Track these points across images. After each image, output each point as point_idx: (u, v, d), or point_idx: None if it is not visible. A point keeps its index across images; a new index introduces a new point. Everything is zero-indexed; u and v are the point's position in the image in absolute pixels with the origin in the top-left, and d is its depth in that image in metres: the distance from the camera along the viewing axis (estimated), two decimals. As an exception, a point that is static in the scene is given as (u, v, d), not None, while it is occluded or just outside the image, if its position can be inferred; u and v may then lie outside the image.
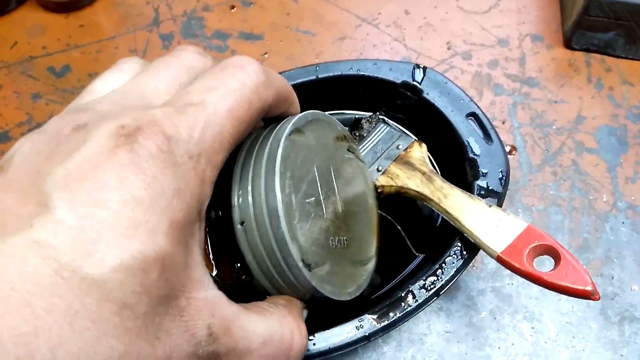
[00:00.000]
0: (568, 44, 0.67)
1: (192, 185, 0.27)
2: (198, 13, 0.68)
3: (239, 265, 0.37)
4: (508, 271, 0.52)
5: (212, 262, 0.36)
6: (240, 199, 0.34)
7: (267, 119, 0.38)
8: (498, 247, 0.42)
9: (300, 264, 0.33)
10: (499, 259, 0.42)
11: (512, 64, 0.65)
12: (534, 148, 0.59)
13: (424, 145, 0.52)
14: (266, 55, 0.66)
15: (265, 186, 0.32)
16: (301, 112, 0.38)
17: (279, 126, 0.36)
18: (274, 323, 0.32)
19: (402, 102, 0.54)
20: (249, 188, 0.33)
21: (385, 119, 0.56)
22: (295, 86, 0.53)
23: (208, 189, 0.29)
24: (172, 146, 0.26)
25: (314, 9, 0.69)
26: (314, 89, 0.54)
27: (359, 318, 0.43)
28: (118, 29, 0.67)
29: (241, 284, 0.37)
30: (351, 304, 0.43)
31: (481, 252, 0.42)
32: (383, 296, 0.46)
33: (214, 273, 0.36)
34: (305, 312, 0.38)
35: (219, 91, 0.29)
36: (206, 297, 0.28)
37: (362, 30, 0.68)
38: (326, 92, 0.54)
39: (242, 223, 0.34)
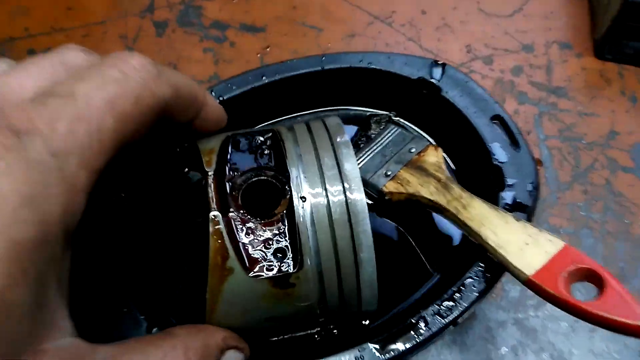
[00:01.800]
0: (599, 53, 0.61)
1: (55, 192, 0.21)
2: (196, 1, 0.63)
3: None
4: (533, 302, 0.45)
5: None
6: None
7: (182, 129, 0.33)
8: (528, 269, 0.35)
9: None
10: (529, 283, 0.35)
11: (537, 72, 0.59)
12: (562, 163, 0.52)
13: (440, 149, 0.45)
14: (268, 49, 0.60)
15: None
16: (299, 107, 0.34)
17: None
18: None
19: (417, 101, 0.48)
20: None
21: (398, 119, 0.49)
22: (298, 77, 0.47)
23: (81, 200, 0.23)
24: (25, 142, 0.20)
25: (323, 4, 0.63)
26: (319, 82, 0.48)
27: (360, 347, 0.35)
28: (109, 14, 0.61)
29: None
30: (348, 330, 0.36)
31: (505, 276, 0.36)
32: (389, 322, 0.39)
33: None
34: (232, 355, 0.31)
35: (93, 81, 0.24)
36: (63, 347, 0.21)
37: (374, 28, 0.62)
38: (332, 85, 0.48)
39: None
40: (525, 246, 0.36)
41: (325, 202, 0.32)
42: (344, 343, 0.37)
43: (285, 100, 0.47)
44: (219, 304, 0.31)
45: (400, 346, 0.36)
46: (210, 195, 0.32)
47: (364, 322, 0.37)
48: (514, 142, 0.44)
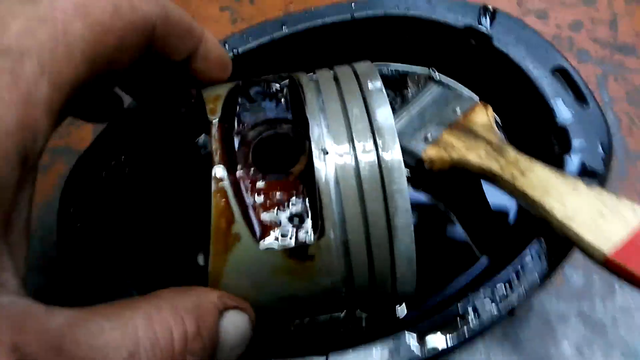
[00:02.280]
0: (673, 7, 0.52)
1: (4, 97, 0.17)
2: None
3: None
4: (601, 290, 0.38)
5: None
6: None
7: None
8: (606, 245, 0.29)
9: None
10: (608, 263, 0.28)
11: (600, 27, 0.52)
12: (632, 130, 0.45)
13: (490, 108, 0.38)
14: (292, 5, 0.54)
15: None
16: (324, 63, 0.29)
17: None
18: (138, 325, 0.20)
19: (463, 54, 0.41)
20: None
21: (439, 77, 0.43)
22: (323, 28, 0.41)
23: (42, 116, 0.18)
24: None
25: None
26: (348, 32, 0.41)
27: (395, 337, 0.29)
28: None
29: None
30: (379, 318, 0.30)
31: (574, 257, 0.31)
32: (431, 310, 0.32)
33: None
34: (236, 315, 0.25)
35: None
36: (5, 306, 0.17)
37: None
38: (363, 37, 0.42)
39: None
40: (601, 217, 0.29)
41: (353, 158, 0.26)
42: (375, 332, 0.31)
43: (308, 55, 0.41)
44: (224, 277, 0.25)
45: (443, 339, 0.29)
46: (213, 147, 0.26)
47: (398, 307, 0.31)
48: (580, 97, 0.37)
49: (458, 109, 0.39)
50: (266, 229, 0.25)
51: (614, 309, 0.39)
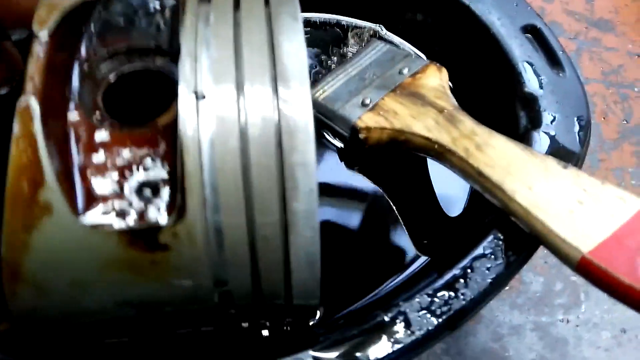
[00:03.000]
0: (656, -17, 0.46)
1: None
2: None
3: None
4: (563, 299, 0.33)
5: None
6: None
7: None
8: (584, 243, 0.22)
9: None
10: (584, 265, 0.22)
11: (575, -1, 0.45)
12: (607, 115, 0.39)
13: (444, 70, 0.31)
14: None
15: None
16: None
17: None
18: None
19: (416, 8, 0.33)
20: None
21: (386, 34, 0.35)
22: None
23: None
24: None
25: None
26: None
27: (295, 357, 0.21)
28: None
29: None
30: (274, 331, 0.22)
31: (538, 255, 0.25)
32: (349, 320, 0.25)
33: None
34: None
35: None
36: None
37: None
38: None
39: None
40: (578, 207, 0.22)
41: (239, 108, 0.18)
42: (275, 348, 0.23)
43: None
44: (25, 270, 0.17)
45: (363, 357, 0.22)
46: (29, 71, 0.17)
47: (306, 322, 0.23)
48: (554, 62, 0.30)
49: (406, 70, 0.31)
50: (96, 200, 0.17)
51: (577, 322, 0.33)
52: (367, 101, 0.31)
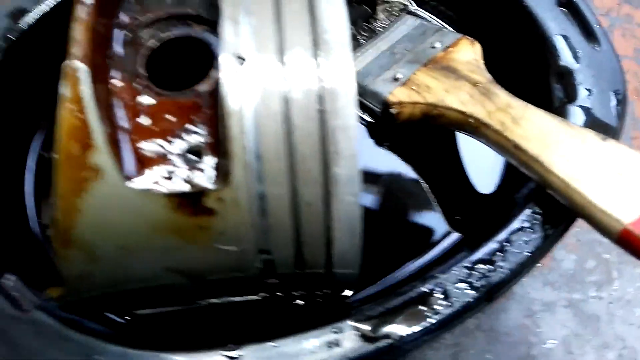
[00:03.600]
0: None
1: None
2: None
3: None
4: (595, 277, 0.33)
5: None
6: None
7: None
8: (624, 215, 0.21)
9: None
10: (625, 237, 0.22)
11: (607, -26, 0.44)
12: None
13: (477, 44, 0.31)
14: None
15: None
16: None
17: None
18: None
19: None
20: None
21: (417, 10, 0.35)
22: None
23: None
24: None
25: None
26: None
27: (334, 327, 0.21)
28: None
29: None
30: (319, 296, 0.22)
31: (570, 233, 0.25)
32: (386, 292, 0.25)
33: None
34: None
35: None
36: None
37: None
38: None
39: None
40: (617, 178, 0.22)
41: (281, 73, 0.18)
42: (311, 316, 0.23)
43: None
44: (76, 233, 0.17)
45: (400, 330, 0.22)
46: (73, 34, 0.18)
47: (343, 292, 0.23)
48: (590, 36, 0.29)
49: (438, 44, 0.31)
50: (145, 163, 0.17)
51: (610, 299, 0.33)
52: (399, 76, 0.30)
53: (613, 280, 0.33)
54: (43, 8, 0.27)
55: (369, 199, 0.30)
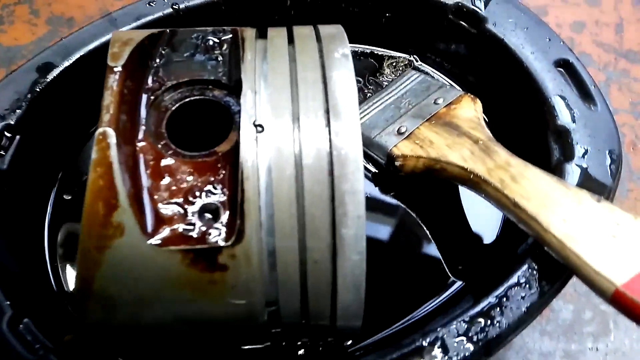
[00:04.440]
0: (684, 17, 0.47)
1: None
2: None
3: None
4: (592, 328, 0.33)
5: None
6: None
7: None
8: (617, 276, 0.22)
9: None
10: (617, 298, 0.22)
11: (605, 30, 0.46)
12: (636, 145, 0.40)
13: (478, 101, 0.32)
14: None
15: None
16: None
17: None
18: None
19: (450, 38, 0.35)
20: None
21: (420, 65, 0.36)
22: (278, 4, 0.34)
23: None
24: None
25: None
26: (315, 6, 0.34)
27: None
28: None
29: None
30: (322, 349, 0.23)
31: (567, 283, 0.26)
32: (385, 342, 0.26)
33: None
34: None
35: None
36: None
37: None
38: (333, 13, 0.35)
39: None
40: (611, 240, 0.23)
41: (295, 140, 0.19)
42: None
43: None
44: (96, 285, 0.18)
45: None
46: (105, 102, 0.19)
47: (345, 342, 0.24)
48: (586, 96, 0.31)
49: (441, 100, 0.32)
50: (163, 222, 0.18)
51: (607, 351, 0.33)
52: (403, 129, 0.32)
53: (610, 332, 0.34)
54: (67, 63, 0.29)
55: (373, 247, 0.31)
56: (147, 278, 0.18)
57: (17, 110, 0.28)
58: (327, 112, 0.20)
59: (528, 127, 0.32)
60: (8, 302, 0.23)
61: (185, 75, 0.22)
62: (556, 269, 0.25)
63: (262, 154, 0.19)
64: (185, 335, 0.20)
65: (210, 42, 0.23)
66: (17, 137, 0.28)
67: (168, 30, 0.23)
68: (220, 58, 0.23)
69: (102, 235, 0.18)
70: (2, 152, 0.27)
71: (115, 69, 0.20)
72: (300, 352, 0.25)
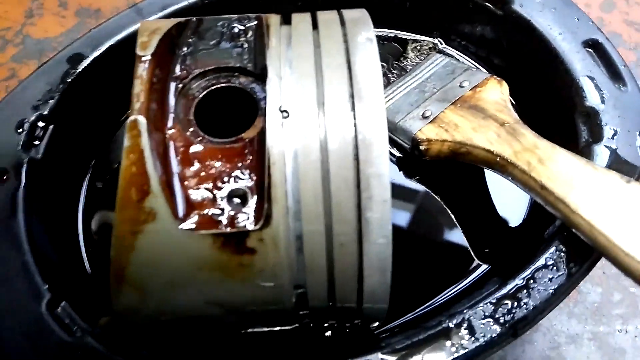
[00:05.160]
0: None
1: None
2: None
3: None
4: (621, 310, 0.32)
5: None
6: None
7: None
8: (647, 257, 0.22)
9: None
10: None
11: (635, 9, 0.45)
12: None
13: (504, 84, 0.32)
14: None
15: None
16: None
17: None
18: None
19: (475, 20, 0.34)
20: None
21: (445, 48, 0.36)
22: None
23: None
24: None
25: None
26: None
27: (366, 359, 0.23)
28: None
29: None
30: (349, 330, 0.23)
31: (596, 265, 0.25)
32: (412, 324, 0.26)
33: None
34: None
35: None
36: None
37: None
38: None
39: None
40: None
41: (320, 125, 0.20)
42: (340, 348, 0.24)
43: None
44: (130, 269, 0.18)
45: (428, 362, 0.23)
46: (135, 90, 0.20)
47: (372, 325, 0.24)
48: (616, 77, 0.30)
49: (466, 84, 0.32)
50: (194, 207, 0.19)
51: (636, 334, 0.33)
52: (428, 113, 0.32)
53: (639, 314, 0.33)
54: (96, 53, 0.30)
55: (399, 231, 0.32)
56: (179, 261, 0.19)
57: (50, 101, 0.29)
58: (352, 96, 0.20)
59: (556, 109, 0.31)
60: (46, 286, 0.24)
61: (212, 63, 0.22)
62: (584, 251, 0.25)
63: (288, 139, 0.19)
64: (215, 320, 0.21)
65: (236, 30, 0.23)
66: (51, 127, 0.28)
67: (194, 19, 0.24)
68: (245, 45, 0.23)
69: (136, 220, 0.18)
70: (36, 142, 0.28)
71: (144, 58, 0.21)
72: (328, 333, 0.26)
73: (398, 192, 0.33)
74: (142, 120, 0.19)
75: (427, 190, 0.33)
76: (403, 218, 0.32)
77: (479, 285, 0.29)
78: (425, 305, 0.28)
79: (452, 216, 0.32)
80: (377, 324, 0.26)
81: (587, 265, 0.25)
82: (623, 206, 0.24)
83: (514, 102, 0.33)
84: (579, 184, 0.25)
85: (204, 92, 0.22)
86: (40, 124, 0.28)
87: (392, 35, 0.37)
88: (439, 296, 0.29)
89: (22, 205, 0.26)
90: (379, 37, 0.37)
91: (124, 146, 0.18)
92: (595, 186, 0.25)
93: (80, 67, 0.29)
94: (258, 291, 0.20)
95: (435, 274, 0.30)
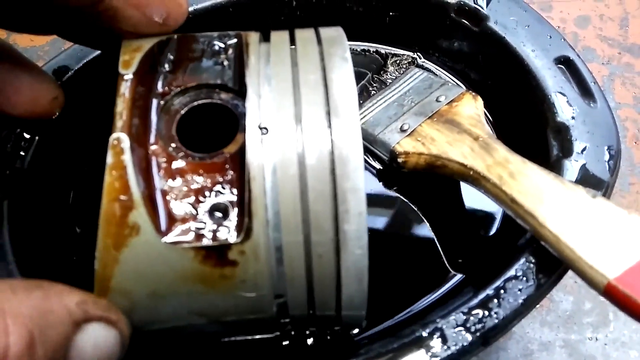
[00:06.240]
0: (690, 10, 0.47)
1: None
2: None
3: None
4: (591, 318, 0.33)
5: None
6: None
7: None
8: (610, 270, 0.23)
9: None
10: (609, 291, 0.23)
11: (609, 25, 0.47)
12: (639, 139, 0.39)
13: (479, 99, 0.33)
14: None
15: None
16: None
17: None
18: None
19: (453, 36, 0.36)
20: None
21: (424, 63, 0.37)
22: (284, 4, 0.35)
23: None
24: None
25: None
26: (320, 5, 0.35)
27: (340, 366, 0.24)
28: None
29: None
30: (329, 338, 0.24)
31: (568, 275, 0.26)
32: (387, 333, 0.27)
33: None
34: None
35: None
36: None
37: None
38: (337, 12, 0.36)
39: None
40: (605, 235, 0.24)
41: (298, 141, 0.21)
42: (322, 355, 0.25)
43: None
44: (114, 281, 0.19)
45: (399, 370, 0.24)
46: (118, 109, 0.20)
47: (351, 331, 0.25)
48: (586, 93, 0.31)
49: (443, 98, 0.33)
50: (176, 221, 0.19)
51: (605, 341, 0.34)
52: (406, 127, 0.33)
53: (609, 322, 0.35)
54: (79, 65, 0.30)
55: (375, 240, 0.32)
56: (162, 274, 0.19)
57: (35, 112, 0.29)
58: (329, 113, 0.21)
59: (529, 124, 0.32)
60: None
61: (194, 80, 0.23)
62: (553, 263, 0.26)
63: (267, 154, 0.20)
64: (199, 328, 0.21)
65: (216, 47, 0.24)
66: (36, 138, 0.29)
67: (175, 36, 0.24)
68: (225, 62, 0.24)
69: (120, 234, 0.19)
70: (22, 153, 0.28)
71: (126, 77, 0.21)
72: (310, 340, 0.27)
73: (377, 202, 0.34)
74: (124, 137, 0.19)
75: (405, 200, 0.34)
76: (381, 227, 0.33)
77: (453, 294, 0.30)
78: (403, 313, 0.29)
79: (429, 226, 0.33)
80: (357, 330, 0.27)
81: (556, 276, 0.26)
82: (588, 220, 0.25)
83: (489, 116, 0.34)
84: (547, 198, 0.26)
85: (186, 108, 0.23)
86: (26, 135, 0.29)
87: (373, 49, 0.38)
88: (416, 304, 0.30)
89: (6, 215, 0.26)
90: (360, 51, 0.38)
91: (106, 163, 0.19)
92: (563, 200, 0.26)
93: (65, 79, 0.30)
94: (240, 301, 0.20)
95: (412, 283, 0.31)
